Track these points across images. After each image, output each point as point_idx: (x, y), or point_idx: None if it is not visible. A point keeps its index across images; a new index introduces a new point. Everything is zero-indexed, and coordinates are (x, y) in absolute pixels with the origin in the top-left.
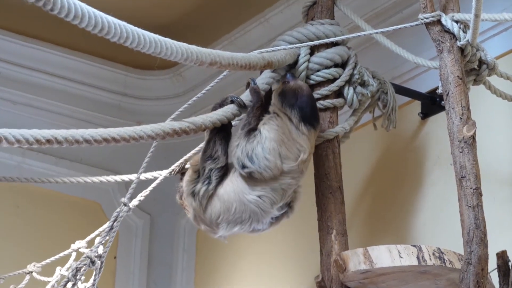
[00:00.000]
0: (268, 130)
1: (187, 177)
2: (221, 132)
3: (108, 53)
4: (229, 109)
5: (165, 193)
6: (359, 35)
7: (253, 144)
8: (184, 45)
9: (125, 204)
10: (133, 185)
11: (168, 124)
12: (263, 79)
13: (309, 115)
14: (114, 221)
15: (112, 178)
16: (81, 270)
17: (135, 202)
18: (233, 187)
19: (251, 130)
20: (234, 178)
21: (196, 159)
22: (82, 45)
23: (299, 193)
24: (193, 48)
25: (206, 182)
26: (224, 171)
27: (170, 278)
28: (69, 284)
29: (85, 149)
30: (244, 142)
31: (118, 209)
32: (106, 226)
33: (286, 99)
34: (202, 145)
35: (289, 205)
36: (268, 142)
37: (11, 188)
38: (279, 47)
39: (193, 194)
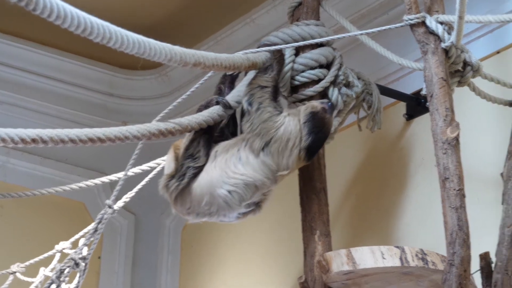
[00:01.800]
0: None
1: (166, 166)
2: (206, 134)
3: (94, 53)
4: (215, 110)
5: (150, 194)
6: (344, 36)
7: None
8: (168, 46)
9: (109, 206)
10: (117, 187)
11: (154, 125)
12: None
13: (314, 150)
14: (99, 223)
15: (98, 180)
16: (65, 272)
17: (120, 203)
18: (207, 179)
19: (277, 101)
20: (211, 168)
21: (177, 143)
22: (68, 45)
23: (269, 195)
24: (177, 49)
25: (180, 178)
26: (200, 170)
27: (155, 278)
28: (53, 286)
29: (70, 149)
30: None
31: (102, 211)
32: (90, 227)
33: (311, 123)
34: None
35: (257, 204)
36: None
37: None
38: (264, 48)
39: (166, 187)
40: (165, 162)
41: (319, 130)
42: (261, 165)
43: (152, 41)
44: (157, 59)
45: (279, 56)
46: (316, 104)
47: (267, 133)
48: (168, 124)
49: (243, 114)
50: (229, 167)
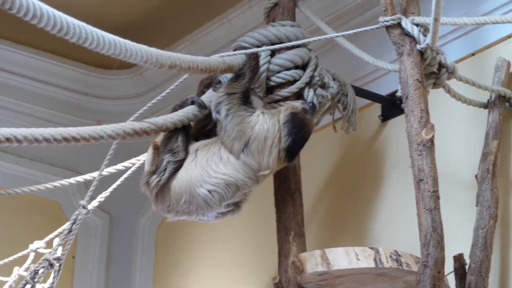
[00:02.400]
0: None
1: (146, 163)
2: (184, 130)
3: (69, 52)
4: (190, 110)
5: (125, 193)
6: (319, 39)
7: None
8: (144, 47)
9: (84, 207)
10: (92, 187)
11: (129, 124)
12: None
13: (294, 152)
14: (73, 223)
15: (73, 180)
16: (39, 273)
17: (94, 203)
18: (187, 177)
19: (248, 104)
20: (191, 166)
21: (156, 141)
22: (43, 44)
23: (249, 196)
24: (153, 50)
25: (161, 174)
26: (180, 164)
27: (129, 277)
28: (28, 286)
29: (45, 148)
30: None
31: (77, 212)
32: (65, 227)
33: (291, 123)
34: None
35: (236, 205)
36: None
37: None
38: (240, 51)
39: (147, 184)
40: (146, 159)
41: (299, 131)
42: (242, 165)
43: (128, 42)
44: (133, 60)
45: (254, 64)
46: (297, 104)
47: (243, 135)
48: (143, 124)
49: (215, 124)
50: (210, 166)
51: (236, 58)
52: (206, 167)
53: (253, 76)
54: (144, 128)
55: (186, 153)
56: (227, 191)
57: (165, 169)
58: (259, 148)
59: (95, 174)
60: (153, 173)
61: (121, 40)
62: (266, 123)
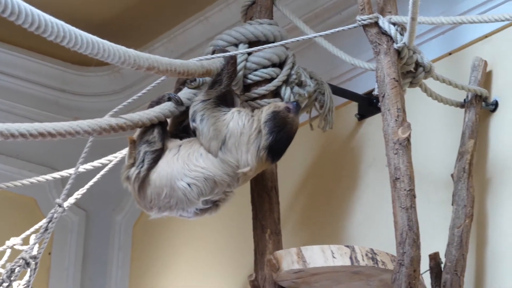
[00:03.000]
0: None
1: (125, 158)
2: (159, 125)
3: (46, 49)
4: (166, 106)
5: (101, 190)
6: (297, 40)
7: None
8: (122, 48)
9: (60, 205)
10: (67, 186)
11: (105, 120)
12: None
13: (277, 151)
14: (49, 222)
15: (49, 176)
16: (16, 271)
17: (71, 200)
18: (168, 170)
19: (222, 105)
20: (173, 160)
21: (132, 136)
22: (20, 40)
23: (229, 197)
24: (131, 52)
25: (139, 165)
26: (159, 154)
27: (105, 274)
28: (5, 285)
29: (22, 145)
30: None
31: (53, 210)
32: (41, 224)
33: (272, 122)
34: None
35: (215, 203)
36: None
37: None
38: (218, 55)
39: (128, 178)
40: (125, 155)
41: (280, 129)
42: (220, 163)
43: (106, 42)
44: (111, 60)
45: (232, 70)
46: (280, 104)
47: (219, 133)
48: (119, 120)
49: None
50: (191, 160)
51: (215, 62)
52: (187, 161)
53: (230, 83)
54: (120, 124)
55: (163, 144)
56: (205, 185)
57: (143, 160)
58: (236, 144)
59: (72, 170)
60: (131, 166)
61: (99, 40)
62: (241, 120)
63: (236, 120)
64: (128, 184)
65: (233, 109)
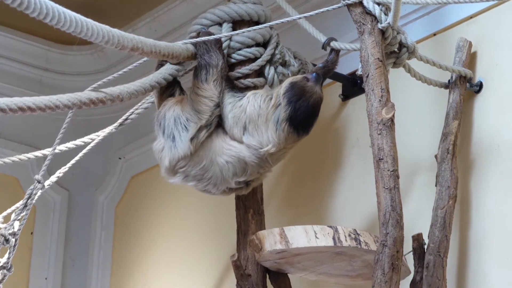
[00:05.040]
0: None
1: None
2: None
3: (29, 27)
4: (147, 81)
5: (84, 170)
6: (282, 22)
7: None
8: (106, 28)
9: (39, 182)
10: (46, 162)
11: (85, 94)
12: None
13: (299, 121)
14: (28, 198)
15: (31, 154)
16: None
17: (53, 178)
18: (209, 143)
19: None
20: (216, 133)
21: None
22: (3, 18)
23: (263, 176)
24: (115, 31)
25: (209, 128)
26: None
27: (87, 254)
28: None
29: (3, 123)
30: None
31: (32, 187)
32: (21, 203)
33: (290, 92)
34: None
35: (247, 183)
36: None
37: None
38: (202, 38)
39: (193, 138)
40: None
41: (298, 99)
42: (246, 147)
43: (90, 21)
44: (94, 40)
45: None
46: (298, 76)
47: (239, 120)
48: (99, 94)
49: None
50: (226, 139)
51: None
52: (225, 138)
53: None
54: (100, 97)
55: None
56: (238, 166)
57: (211, 123)
58: (256, 127)
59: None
60: (200, 128)
61: (83, 18)
62: (256, 102)
63: (252, 103)
64: (190, 144)
65: (249, 93)
